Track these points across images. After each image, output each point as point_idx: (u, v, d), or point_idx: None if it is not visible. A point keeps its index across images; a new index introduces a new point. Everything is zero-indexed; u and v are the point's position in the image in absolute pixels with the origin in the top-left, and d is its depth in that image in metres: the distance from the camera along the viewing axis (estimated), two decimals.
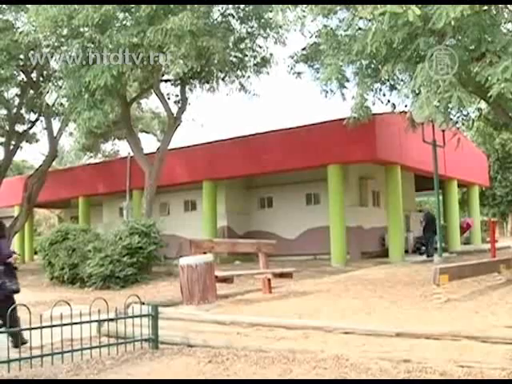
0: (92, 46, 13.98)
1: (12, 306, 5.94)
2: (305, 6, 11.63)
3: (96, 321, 6.45)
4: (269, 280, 10.68)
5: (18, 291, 6.91)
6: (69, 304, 6.30)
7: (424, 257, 18.29)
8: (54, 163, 25.57)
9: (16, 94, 21.58)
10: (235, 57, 16.97)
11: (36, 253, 26.62)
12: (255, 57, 17.41)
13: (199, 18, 13.34)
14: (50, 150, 22.11)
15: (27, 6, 15.19)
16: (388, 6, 8.44)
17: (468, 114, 13.18)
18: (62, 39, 14.68)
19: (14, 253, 7.18)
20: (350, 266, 16.03)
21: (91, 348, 5.69)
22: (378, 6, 8.65)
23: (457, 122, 12.97)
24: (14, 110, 21.55)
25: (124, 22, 14.55)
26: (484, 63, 8.98)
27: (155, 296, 11.59)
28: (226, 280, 10.24)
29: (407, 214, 21.18)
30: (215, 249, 10.99)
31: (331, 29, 11.92)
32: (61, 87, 15.36)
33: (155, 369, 5.26)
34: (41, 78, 19.65)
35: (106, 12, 13.15)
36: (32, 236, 28.86)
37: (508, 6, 9.65)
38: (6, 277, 6.80)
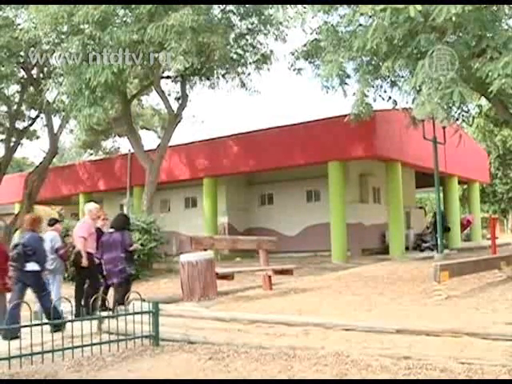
0: (92, 42, 13.96)
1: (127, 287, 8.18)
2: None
3: (97, 318, 6.46)
4: (269, 277, 10.69)
5: (134, 274, 8.86)
6: (69, 301, 6.32)
7: (425, 253, 18.31)
8: (54, 160, 25.53)
9: (16, 91, 21.55)
10: (236, 53, 16.95)
11: None
12: (256, 53, 17.38)
13: (200, 14, 13.32)
14: (50, 146, 22.08)
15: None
16: (388, 5, 8.47)
17: (469, 110, 13.17)
18: (63, 36, 14.65)
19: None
20: (350, 263, 16.03)
21: (92, 345, 5.70)
22: (380, 6, 8.66)
23: (457, 119, 12.95)
24: (15, 107, 21.52)
25: (124, 19, 14.53)
26: (485, 59, 8.97)
27: (156, 293, 11.61)
28: (227, 277, 10.27)
29: (408, 211, 21.18)
30: (216, 246, 11.01)
31: (332, 25, 11.90)
32: (61, 84, 15.31)
33: (156, 365, 5.26)
34: (41, 75, 19.61)
35: (106, 9, 13.14)
36: None
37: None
38: (127, 262, 8.46)
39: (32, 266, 7.38)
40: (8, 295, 7.56)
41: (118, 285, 8.44)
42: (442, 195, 21.81)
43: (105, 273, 8.72)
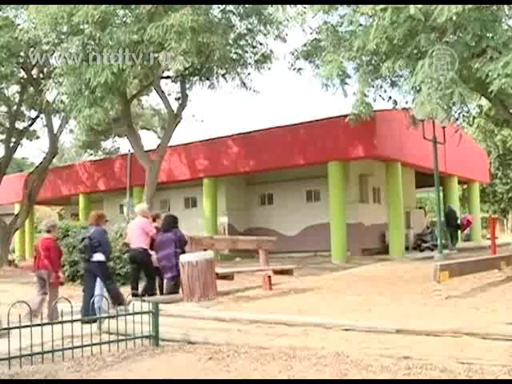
0: (92, 43, 13.96)
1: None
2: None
3: (97, 318, 6.46)
4: (269, 277, 10.69)
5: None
6: (69, 301, 6.32)
7: (425, 253, 18.35)
8: (54, 160, 25.54)
9: (16, 91, 21.56)
10: (235, 53, 16.94)
11: None
12: (255, 53, 17.37)
13: (200, 14, 13.33)
14: (50, 147, 22.09)
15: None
16: (389, 5, 8.49)
17: (469, 110, 13.17)
18: (63, 36, 14.65)
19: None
20: (350, 263, 16.03)
21: (92, 345, 5.69)
22: (380, 5, 8.68)
23: (457, 119, 12.95)
24: (15, 107, 21.53)
25: (124, 19, 14.54)
26: (485, 59, 8.97)
27: (155, 293, 11.59)
28: (227, 277, 10.30)
29: (408, 211, 21.18)
30: (215, 246, 11.02)
31: (332, 25, 11.91)
32: (61, 84, 15.31)
33: (156, 366, 5.26)
34: (41, 75, 19.62)
35: (106, 9, 13.14)
36: (33, 233, 28.88)
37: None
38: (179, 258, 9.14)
39: (98, 257, 8.34)
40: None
41: (172, 278, 9.33)
42: (441, 195, 21.82)
43: (160, 268, 9.56)
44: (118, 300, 7.93)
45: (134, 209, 20.34)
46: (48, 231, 8.59)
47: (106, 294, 8.29)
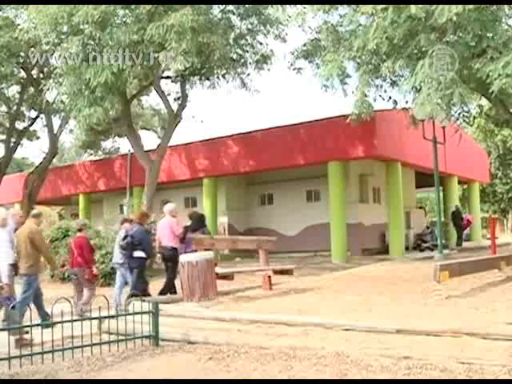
0: (92, 43, 13.96)
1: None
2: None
3: (97, 318, 6.46)
4: (269, 277, 10.69)
5: None
6: (69, 301, 6.31)
7: (425, 253, 18.38)
8: (54, 160, 25.54)
9: (16, 92, 21.56)
10: (236, 53, 16.93)
11: None
12: (255, 53, 17.36)
13: (200, 14, 13.33)
14: (50, 147, 22.09)
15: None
16: (390, 5, 8.51)
17: (469, 110, 13.17)
18: (63, 36, 14.64)
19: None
20: (350, 263, 16.03)
21: (92, 345, 5.70)
22: (381, 5, 8.70)
23: (457, 119, 12.95)
24: (15, 108, 21.53)
25: (124, 19, 14.53)
26: (485, 59, 8.98)
27: (156, 293, 11.58)
28: (227, 277, 10.31)
29: (408, 211, 21.18)
30: (215, 246, 11.01)
31: (332, 25, 11.92)
32: (61, 84, 15.30)
33: (156, 365, 5.26)
34: (41, 75, 19.62)
35: (106, 9, 13.14)
36: None
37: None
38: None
39: (138, 254, 9.05)
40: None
41: None
42: (442, 195, 21.82)
43: None
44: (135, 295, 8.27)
45: (132, 209, 20.46)
46: (79, 230, 9.25)
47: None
